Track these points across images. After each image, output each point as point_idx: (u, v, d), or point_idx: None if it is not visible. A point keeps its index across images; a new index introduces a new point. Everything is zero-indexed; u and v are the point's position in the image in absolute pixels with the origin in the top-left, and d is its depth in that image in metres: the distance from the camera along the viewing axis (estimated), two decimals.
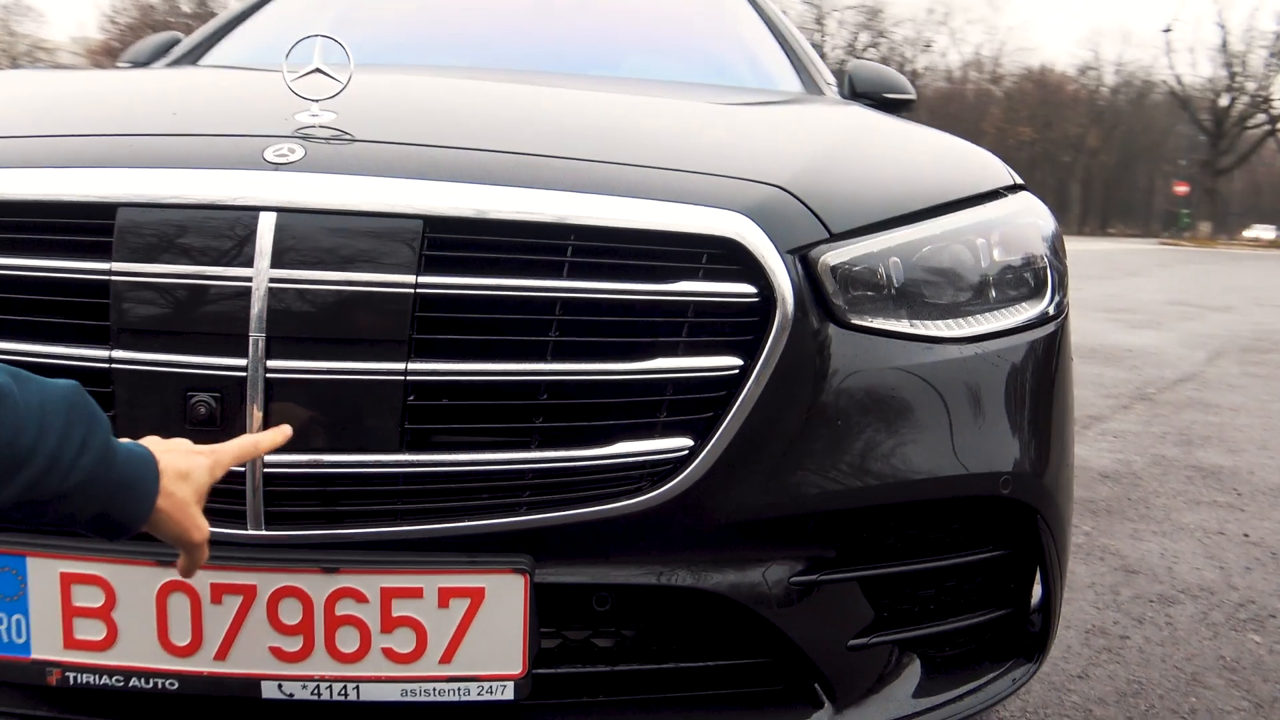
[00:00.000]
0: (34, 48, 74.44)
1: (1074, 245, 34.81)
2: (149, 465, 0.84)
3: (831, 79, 2.61)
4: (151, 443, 0.88)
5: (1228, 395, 4.90)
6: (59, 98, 1.45)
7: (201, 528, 0.89)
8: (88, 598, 1.02)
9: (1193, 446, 3.76)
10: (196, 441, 0.93)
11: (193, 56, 2.47)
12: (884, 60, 70.87)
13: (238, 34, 2.57)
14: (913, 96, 2.75)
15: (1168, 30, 53.11)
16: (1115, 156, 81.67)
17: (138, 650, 1.02)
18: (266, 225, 1.00)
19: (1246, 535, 2.71)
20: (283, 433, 0.96)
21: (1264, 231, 49.39)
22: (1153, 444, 3.79)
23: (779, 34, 2.78)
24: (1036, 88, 75.71)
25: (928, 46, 71.32)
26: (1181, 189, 50.47)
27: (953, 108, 76.06)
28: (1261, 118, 55.33)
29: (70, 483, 0.77)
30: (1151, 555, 2.51)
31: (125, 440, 0.85)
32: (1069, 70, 79.00)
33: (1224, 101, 54.66)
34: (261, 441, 0.95)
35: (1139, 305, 9.89)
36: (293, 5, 2.78)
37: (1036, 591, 1.34)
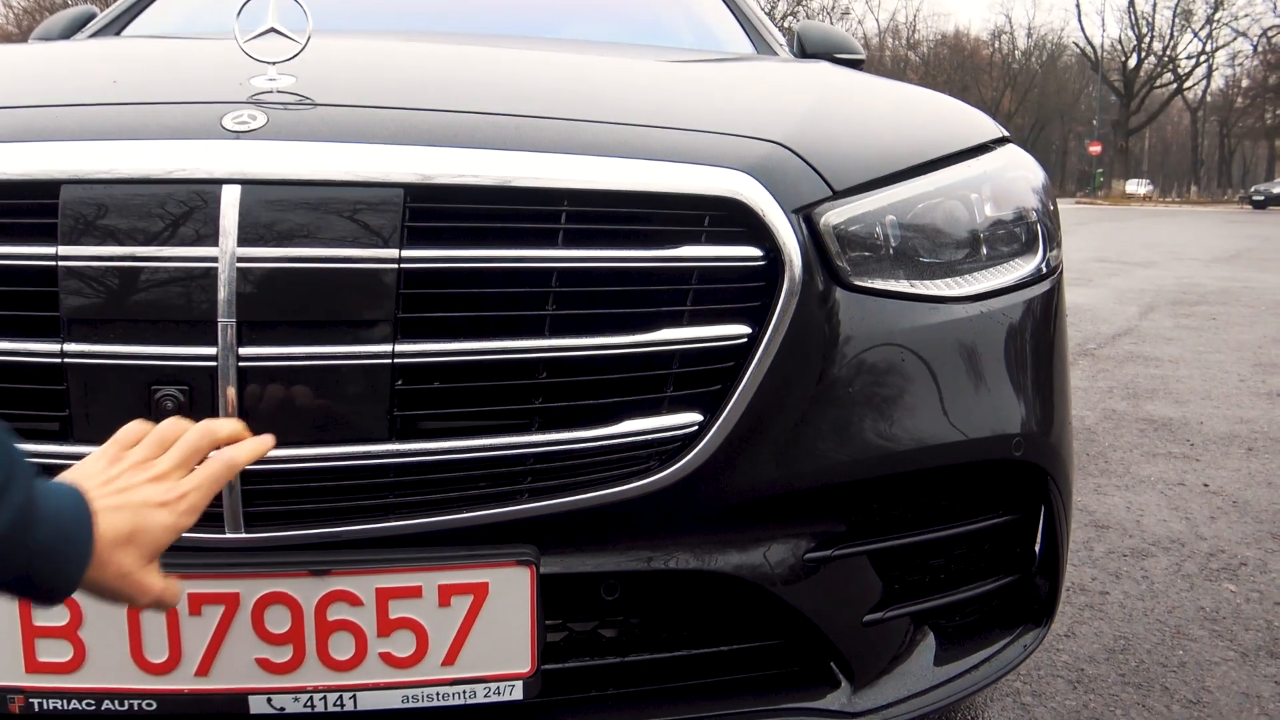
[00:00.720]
0: None
1: None
2: (79, 530, 0.70)
3: (782, 40, 2.55)
4: (96, 490, 0.73)
5: (1165, 348, 4.98)
6: None
7: (149, 591, 0.75)
8: (51, 616, 0.92)
9: (1140, 399, 3.81)
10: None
11: (114, 29, 2.32)
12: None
13: (160, 5, 2.43)
14: (862, 56, 2.71)
15: None
16: (1030, 119, 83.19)
17: (109, 670, 0.93)
18: (230, 199, 0.90)
19: (1206, 485, 2.74)
20: (263, 443, 0.86)
21: (1138, 187, 50.39)
22: (1101, 399, 3.83)
23: None
24: (952, 53, 76.74)
25: (845, 14, 71.71)
26: (1095, 149, 51.63)
27: (872, 73, 76.73)
28: (1169, 77, 56.82)
29: None
30: (1118, 509, 2.52)
31: (63, 485, 0.71)
32: (983, 35, 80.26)
33: (1133, 62, 55.96)
34: (238, 460, 0.82)
35: (1067, 263, 10.06)
36: None
37: (1036, 552, 1.32)
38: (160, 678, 0.94)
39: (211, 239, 0.90)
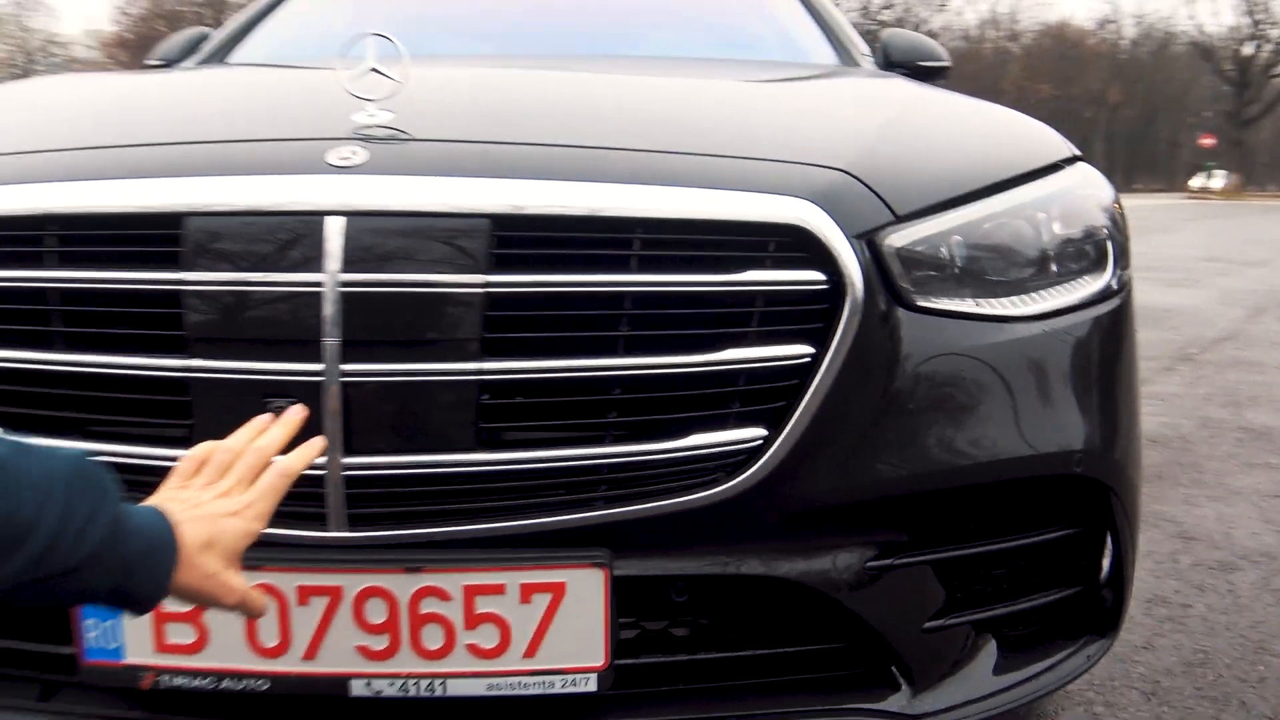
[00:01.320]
0: (48, 43, 74.82)
1: None
2: (165, 538, 0.79)
3: (866, 49, 2.58)
4: (175, 506, 0.83)
5: (1272, 353, 4.84)
6: (112, 105, 1.46)
7: (234, 591, 0.85)
8: (178, 603, 1.03)
9: (1240, 407, 3.72)
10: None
11: (222, 53, 2.47)
12: (899, 21, 69.98)
13: (265, 29, 2.57)
14: (948, 64, 2.72)
15: None
16: (1138, 110, 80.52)
17: (228, 652, 1.04)
18: (335, 229, 1.00)
19: None
20: (313, 448, 0.94)
21: (1207, 179, 46.86)
22: (1199, 406, 3.75)
23: (808, 3, 2.74)
24: (1055, 43, 74.65)
25: (943, 5, 70.37)
26: (1208, 141, 49.72)
27: (971, 67, 75.12)
28: None
29: (75, 559, 0.71)
30: (1208, 521, 2.49)
31: (145, 506, 0.81)
32: (1087, 24, 77.87)
33: (1248, 50, 53.67)
34: (293, 468, 0.92)
35: (1172, 262, 9.77)
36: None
37: (1105, 565, 1.34)
38: (272, 660, 1.04)
39: (317, 265, 0.99)
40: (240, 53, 2.48)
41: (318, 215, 1.00)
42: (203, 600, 0.84)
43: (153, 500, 0.84)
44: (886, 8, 66.88)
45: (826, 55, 2.45)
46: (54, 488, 0.70)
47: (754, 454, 1.06)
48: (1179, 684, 1.70)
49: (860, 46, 2.56)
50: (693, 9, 2.76)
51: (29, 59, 73.08)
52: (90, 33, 75.45)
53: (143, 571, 0.77)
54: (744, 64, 2.21)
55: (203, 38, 2.73)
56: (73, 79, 1.78)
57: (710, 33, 2.65)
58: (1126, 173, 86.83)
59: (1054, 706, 1.63)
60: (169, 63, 2.68)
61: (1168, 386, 4.08)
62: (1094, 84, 75.77)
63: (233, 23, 2.75)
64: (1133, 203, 35.59)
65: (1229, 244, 12.61)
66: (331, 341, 0.99)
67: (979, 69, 74.61)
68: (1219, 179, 46.18)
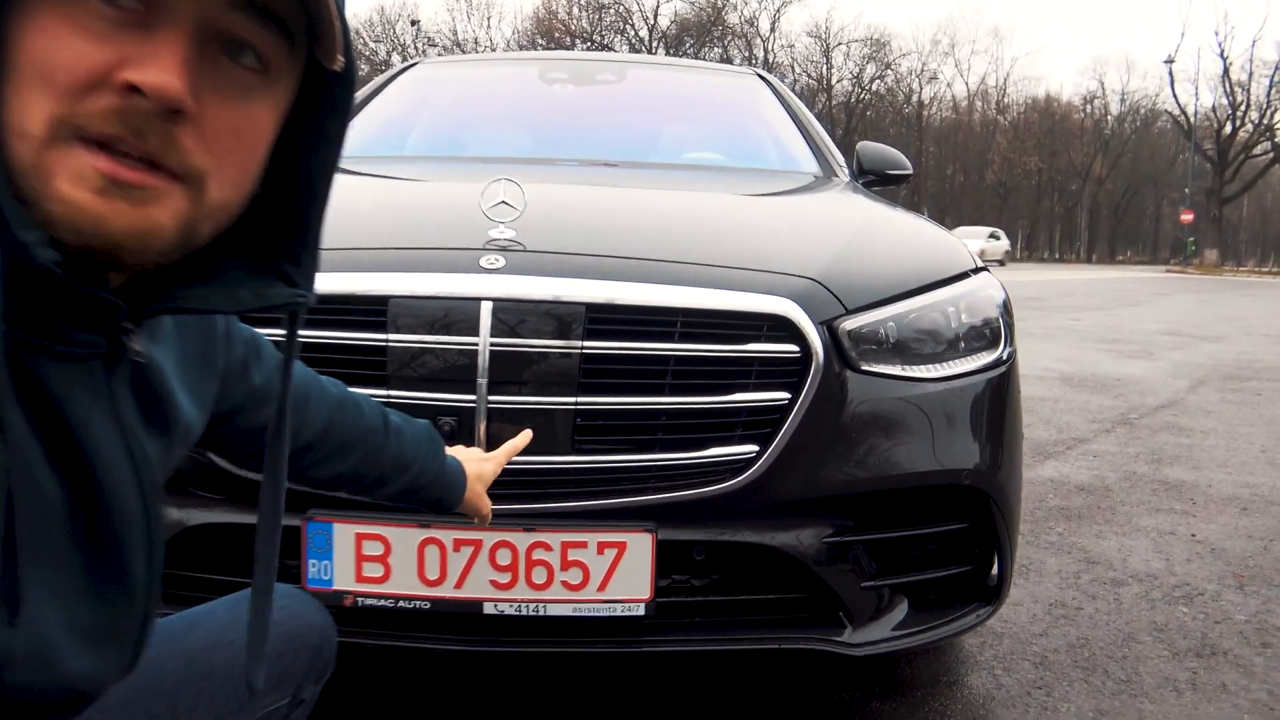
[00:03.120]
0: None
1: (1079, 274, 35.39)
2: (460, 473, 1.38)
3: (842, 160, 3.20)
4: (461, 454, 1.41)
5: (1202, 420, 5.44)
6: (340, 208, 2.04)
7: (488, 504, 1.44)
8: (372, 548, 1.59)
9: (1161, 464, 4.31)
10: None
11: None
12: (890, 91, 71.34)
13: (364, 122, 3.15)
14: (909, 172, 3.35)
15: (1169, 62, 53.77)
16: (1122, 184, 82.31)
17: (404, 582, 1.59)
18: (486, 310, 1.57)
19: (1193, 535, 3.26)
20: (525, 437, 1.52)
21: (994, 242, 39.91)
22: (1126, 462, 4.34)
23: (799, 121, 3.38)
24: (1042, 117, 76.49)
25: (934, 77, 72.15)
26: (1187, 217, 50.98)
27: (960, 137, 76.89)
28: (1266, 146, 55.90)
29: (426, 480, 1.31)
30: (1110, 550, 3.06)
31: (451, 456, 1.38)
32: (1074, 99, 79.75)
33: (1227, 130, 55.24)
34: (518, 445, 1.49)
35: (1133, 335, 10.44)
36: (391, 101, 3.38)
37: (995, 554, 1.90)
38: (433, 588, 1.59)
39: (474, 332, 1.56)
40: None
41: (476, 300, 1.58)
42: (471, 510, 1.42)
43: (453, 452, 1.41)
44: (879, 78, 68.49)
45: (811, 165, 3.06)
46: (420, 440, 1.29)
47: (750, 463, 1.63)
48: (1061, 659, 2.26)
49: (837, 157, 3.18)
50: (711, 124, 3.39)
51: None
52: None
53: (453, 490, 1.36)
54: (751, 174, 2.83)
55: None
56: None
57: (727, 145, 3.28)
58: (1111, 244, 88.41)
59: (962, 668, 2.19)
60: None
61: (1104, 445, 4.67)
62: (1079, 157, 77.51)
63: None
64: (1112, 275, 36.56)
65: (1193, 319, 13.31)
66: (483, 381, 1.56)
67: (968, 139, 76.28)
68: (998, 245, 42.69)
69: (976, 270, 2.01)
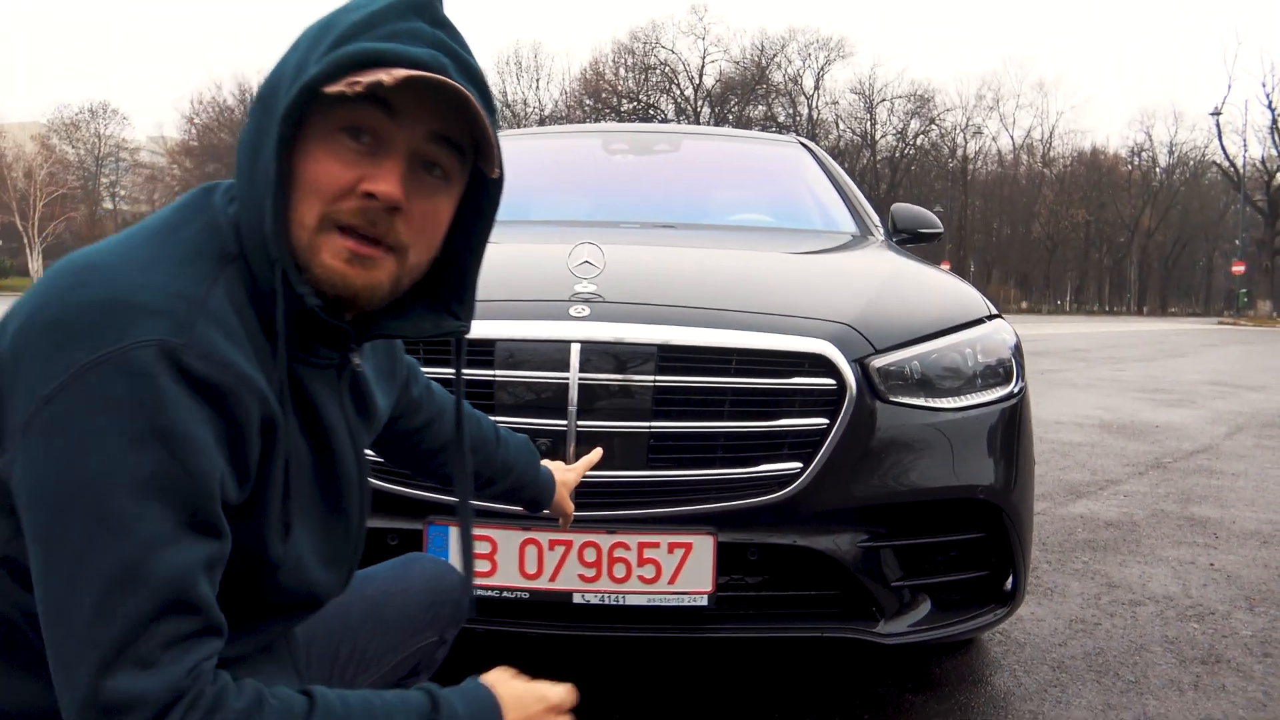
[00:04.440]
0: (118, 147, 78.56)
1: (1128, 327, 35.18)
2: (551, 480, 1.65)
3: (877, 220, 3.53)
4: (549, 465, 1.67)
5: (1234, 464, 5.63)
6: None
7: (571, 507, 1.71)
8: (481, 547, 1.92)
9: (1190, 503, 4.53)
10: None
11: None
12: (934, 146, 71.57)
13: None
14: (940, 230, 3.67)
15: (1216, 114, 53.65)
16: (1172, 236, 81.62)
17: (507, 576, 1.92)
18: (575, 351, 1.91)
19: (1212, 564, 3.49)
20: (597, 454, 1.83)
21: None
22: (1156, 501, 4.56)
23: (838, 184, 3.73)
24: (1089, 169, 76.28)
25: (979, 132, 72.42)
26: (1239, 268, 50.52)
27: (1005, 190, 76.87)
28: None
29: (524, 483, 1.60)
30: (1132, 576, 3.31)
31: (542, 464, 1.67)
32: (1121, 151, 79.45)
33: (1278, 180, 54.82)
34: (592, 459, 1.79)
35: (1176, 385, 10.57)
36: None
37: (1014, 561, 2.19)
38: (531, 581, 1.91)
39: (566, 368, 1.91)
40: None
41: (566, 343, 1.92)
42: (557, 510, 1.70)
43: (544, 463, 1.69)
44: (923, 133, 68.86)
45: (850, 225, 3.40)
46: (521, 450, 1.60)
47: (795, 477, 1.94)
48: (1077, 664, 2.52)
49: (873, 218, 3.52)
50: (758, 188, 3.76)
51: (98, 163, 76.80)
52: (156, 139, 79.29)
53: (544, 493, 1.65)
54: (795, 234, 3.18)
55: None
56: None
57: (773, 207, 3.63)
58: (1162, 296, 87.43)
59: (986, 667, 2.46)
60: None
61: (1136, 486, 4.90)
62: (1128, 210, 77.04)
63: None
64: (1162, 327, 36.32)
65: (1238, 370, 13.37)
66: (573, 409, 1.90)
67: (1014, 193, 76.20)
68: None
69: (991, 317, 2.32)
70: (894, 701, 2.28)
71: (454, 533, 1.93)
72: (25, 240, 59.44)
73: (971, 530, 2.11)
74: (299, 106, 0.92)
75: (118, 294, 0.86)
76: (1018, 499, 2.15)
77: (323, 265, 0.97)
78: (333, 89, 0.91)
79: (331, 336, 1.03)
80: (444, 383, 1.90)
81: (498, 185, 1.10)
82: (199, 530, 0.85)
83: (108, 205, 79.85)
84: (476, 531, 1.92)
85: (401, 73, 0.91)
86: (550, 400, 1.91)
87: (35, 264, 58.51)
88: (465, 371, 1.95)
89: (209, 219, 0.98)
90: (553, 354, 1.92)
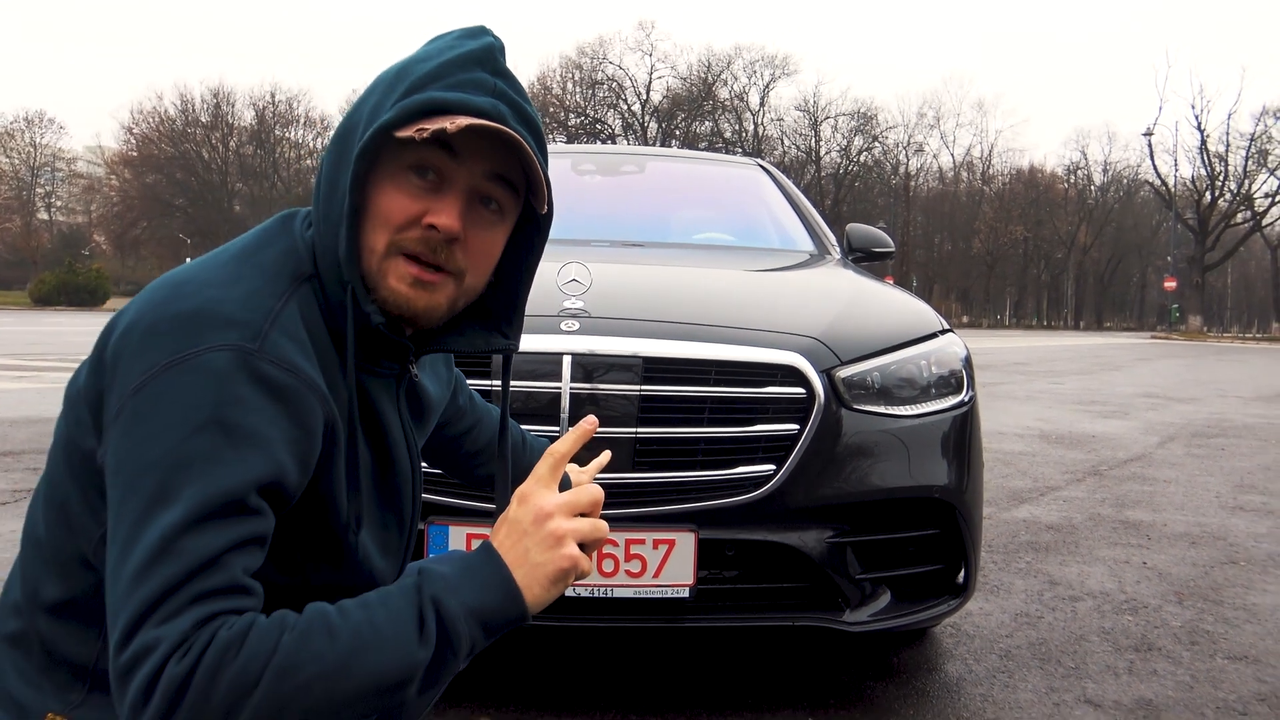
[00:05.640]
0: (54, 157, 76.99)
1: (1066, 341, 36.11)
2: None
3: (834, 239, 3.74)
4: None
5: (1166, 471, 5.94)
6: None
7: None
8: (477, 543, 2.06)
9: (1124, 508, 4.80)
10: None
11: None
12: (877, 163, 72.64)
13: None
14: (892, 249, 3.88)
15: (1148, 134, 55.28)
16: (1107, 252, 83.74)
17: None
18: (567, 363, 2.07)
19: (1145, 563, 3.73)
20: (606, 456, 1.98)
21: None
22: (1093, 506, 4.82)
23: (795, 205, 3.93)
24: (1027, 187, 78.07)
25: (920, 149, 73.76)
26: (1171, 284, 52.04)
27: (947, 207, 78.35)
28: (1245, 214, 57.24)
29: None
30: (1071, 574, 3.54)
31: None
32: (1058, 170, 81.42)
33: (1207, 199, 56.59)
34: (602, 462, 1.91)
35: (1111, 398, 10.98)
36: None
37: (965, 557, 2.38)
38: None
39: (558, 378, 2.06)
40: None
41: (558, 355, 2.08)
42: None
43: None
44: (866, 150, 69.95)
45: (807, 244, 3.60)
46: (541, 452, 1.73)
47: (769, 478, 2.11)
48: (1022, 653, 2.73)
49: (830, 237, 3.72)
50: (720, 208, 3.95)
51: (34, 174, 75.19)
52: (94, 149, 77.83)
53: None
54: (757, 252, 3.37)
55: None
56: None
57: (739, 227, 3.83)
58: (1098, 311, 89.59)
59: (938, 656, 2.65)
60: None
61: (1074, 493, 5.16)
62: (1064, 226, 78.85)
63: None
64: (1098, 341, 37.31)
65: (1170, 383, 13.88)
66: (565, 415, 2.05)
67: (954, 209, 77.67)
68: None
69: (944, 331, 2.52)
70: (856, 688, 2.46)
71: (454, 534, 2.07)
72: None
73: (928, 527, 2.30)
74: (373, 148, 1.07)
75: (203, 305, 1.00)
76: (970, 499, 2.35)
77: (389, 288, 1.12)
78: (403, 134, 1.06)
79: (394, 351, 1.18)
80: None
81: (547, 219, 1.24)
82: (239, 512, 0.94)
83: (43, 216, 78.14)
84: (476, 531, 2.07)
85: (464, 121, 1.06)
86: (544, 408, 2.07)
87: None
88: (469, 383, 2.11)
89: (288, 242, 1.12)
90: (546, 365, 2.08)
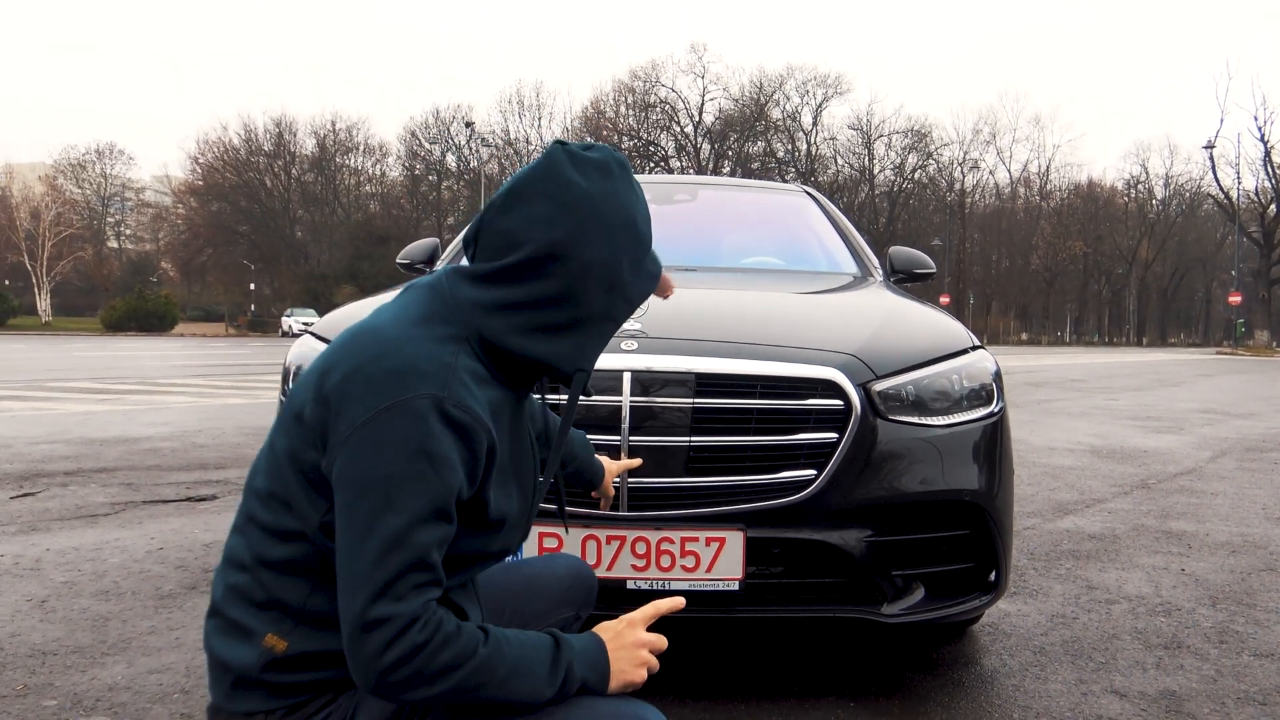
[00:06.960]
0: (124, 187, 79.40)
1: (1126, 357, 35.57)
2: (602, 467, 2.07)
3: (876, 261, 3.94)
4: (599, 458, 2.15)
5: (1215, 484, 6.01)
6: None
7: (613, 490, 2.15)
8: (549, 543, 2.30)
9: (1168, 519, 4.91)
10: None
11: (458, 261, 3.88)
12: (932, 180, 72.14)
13: None
14: (933, 270, 4.08)
15: (1209, 147, 54.35)
16: (1170, 267, 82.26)
17: None
18: (627, 379, 2.31)
19: (1183, 570, 3.87)
20: (635, 461, 2.23)
21: None
22: (1138, 517, 4.94)
23: (840, 229, 4.15)
24: (1086, 202, 77.05)
25: (976, 166, 73.20)
26: (1235, 299, 50.99)
27: (1003, 223, 77.58)
28: None
29: (582, 467, 2.00)
30: (1109, 579, 3.69)
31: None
32: (1117, 184, 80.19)
33: (1272, 211, 55.42)
34: (632, 463, 2.20)
35: (1168, 413, 10.96)
36: None
37: (997, 555, 2.57)
38: (593, 570, 2.29)
39: (619, 393, 2.30)
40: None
41: (619, 372, 2.32)
42: (602, 492, 2.14)
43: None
44: (920, 167, 69.52)
45: (851, 266, 3.81)
46: (583, 443, 2.03)
47: (810, 482, 2.33)
48: (1055, 649, 2.90)
49: (873, 260, 3.93)
50: (769, 233, 4.18)
51: (104, 203, 77.63)
52: (161, 178, 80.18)
53: (596, 477, 2.12)
54: (804, 275, 3.59)
55: (435, 247, 4.18)
56: None
57: (781, 249, 4.05)
58: (1161, 327, 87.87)
59: (976, 650, 2.83)
60: (412, 263, 4.12)
61: (1120, 505, 5.27)
62: (1125, 241, 77.65)
63: (461, 239, 4.17)
64: (1160, 357, 36.70)
65: (1230, 398, 13.75)
66: (625, 426, 2.29)
67: (1011, 225, 76.89)
68: None
69: (975, 347, 2.72)
70: (896, 678, 2.65)
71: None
72: (34, 280, 60.04)
73: (959, 528, 2.49)
74: None
75: (405, 363, 1.30)
76: (999, 502, 2.54)
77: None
78: None
79: (532, 381, 1.46)
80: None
81: None
82: (441, 518, 1.27)
83: (113, 244, 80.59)
84: (546, 529, 2.31)
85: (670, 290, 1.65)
86: (606, 420, 2.31)
87: (43, 303, 59.02)
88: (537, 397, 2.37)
89: (443, 309, 1.40)
90: (608, 382, 2.32)
